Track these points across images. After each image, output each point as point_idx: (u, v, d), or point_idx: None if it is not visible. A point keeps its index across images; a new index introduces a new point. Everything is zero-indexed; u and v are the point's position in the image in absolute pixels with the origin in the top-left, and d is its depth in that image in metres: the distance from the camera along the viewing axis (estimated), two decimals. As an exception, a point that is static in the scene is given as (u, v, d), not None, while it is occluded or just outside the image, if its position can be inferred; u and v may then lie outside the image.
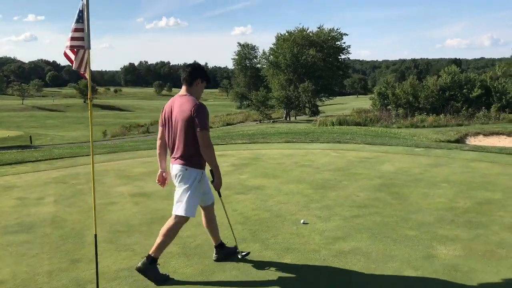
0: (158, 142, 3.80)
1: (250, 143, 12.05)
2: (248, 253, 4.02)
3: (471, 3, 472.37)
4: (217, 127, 44.91)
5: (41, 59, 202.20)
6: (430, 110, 34.90)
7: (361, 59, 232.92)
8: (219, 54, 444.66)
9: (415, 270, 3.66)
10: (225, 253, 4.00)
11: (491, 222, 4.85)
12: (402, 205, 5.57)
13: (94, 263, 3.47)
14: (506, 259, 3.85)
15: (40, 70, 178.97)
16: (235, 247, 4.08)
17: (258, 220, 5.07)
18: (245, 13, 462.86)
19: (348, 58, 63.37)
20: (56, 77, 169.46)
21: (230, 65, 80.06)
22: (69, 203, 5.91)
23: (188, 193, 3.54)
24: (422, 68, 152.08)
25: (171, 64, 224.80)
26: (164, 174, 3.89)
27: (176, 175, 3.59)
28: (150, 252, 3.58)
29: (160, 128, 3.76)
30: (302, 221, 4.97)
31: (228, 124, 49.68)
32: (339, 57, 60.60)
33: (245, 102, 72.23)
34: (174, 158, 3.60)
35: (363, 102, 63.51)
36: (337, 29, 59.11)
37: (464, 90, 35.77)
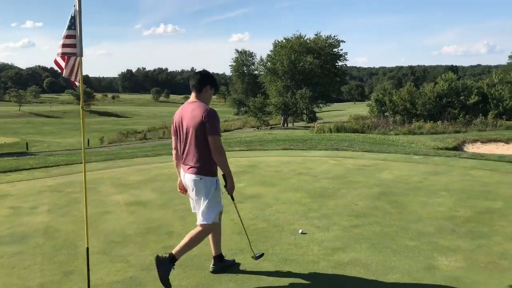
0: (174, 152, 3.79)
1: (247, 150, 11.98)
2: (262, 254, 3.98)
3: (467, 10, 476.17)
4: (215, 133, 44.61)
5: (39, 66, 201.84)
6: (427, 116, 34.93)
7: (358, 66, 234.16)
8: (217, 61, 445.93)
9: (416, 282, 3.58)
10: (223, 266, 3.91)
11: (493, 232, 4.78)
12: (401, 214, 5.50)
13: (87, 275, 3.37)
14: (509, 271, 3.77)
15: (37, 76, 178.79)
16: (233, 260, 4.00)
17: (255, 230, 4.97)
18: (243, 20, 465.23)
19: (345, 65, 63.57)
20: (53, 83, 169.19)
21: (228, 72, 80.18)
22: (63, 213, 5.80)
23: (207, 202, 3.55)
24: (419, 75, 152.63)
25: (168, 71, 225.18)
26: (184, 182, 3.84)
27: (191, 185, 3.57)
28: (173, 251, 3.61)
29: (173, 137, 3.75)
30: (300, 231, 4.88)
31: (225, 131, 49.59)
32: (336, 64, 60.78)
33: (242, 109, 72.24)
34: (187, 166, 3.58)
35: (361, 109, 63.60)
36: (334, 36, 59.44)
37: (461, 97, 35.84)
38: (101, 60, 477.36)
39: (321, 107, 61.29)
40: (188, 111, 3.53)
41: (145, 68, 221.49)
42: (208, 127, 3.40)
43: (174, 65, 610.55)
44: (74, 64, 2.93)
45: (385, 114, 38.10)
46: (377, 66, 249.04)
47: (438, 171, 8.33)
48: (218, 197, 3.62)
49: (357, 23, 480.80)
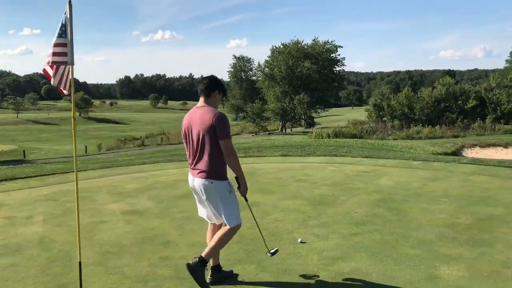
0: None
1: (245, 156, 11.90)
2: (277, 251, 3.98)
3: (464, 15, 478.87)
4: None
5: (37, 73, 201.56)
6: (425, 121, 34.91)
7: (355, 71, 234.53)
8: (215, 67, 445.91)
9: (419, 293, 3.50)
10: (221, 277, 3.83)
11: (495, 239, 4.71)
12: (402, 222, 5.42)
13: (81, 289, 3.29)
14: (513, 280, 3.69)
15: (35, 83, 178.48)
16: (231, 271, 3.92)
17: (253, 239, 4.89)
18: (241, 26, 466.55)
19: (343, 70, 63.62)
20: (51, 90, 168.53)
21: (226, 78, 79.94)
22: (59, 222, 5.71)
23: (227, 205, 3.57)
24: (416, 79, 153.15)
25: (166, 77, 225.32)
26: None
27: (201, 189, 3.57)
28: (202, 254, 3.58)
29: (184, 142, 3.74)
30: (299, 240, 4.81)
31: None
32: (334, 69, 60.85)
33: (240, 114, 72.13)
34: (196, 170, 3.56)
35: (359, 114, 63.65)
36: (331, 42, 59.46)
37: (459, 101, 35.84)
38: (99, 66, 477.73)
39: (319, 113, 61.28)
40: (197, 116, 3.54)
41: (143, 75, 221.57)
42: (219, 131, 3.42)
43: (172, 71, 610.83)
44: (64, 73, 2.86)
45: (383, 119, 38.08)
46: (374, 71, 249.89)
47: (437, 177, 8.27)
48: (235, 197, 3.62)
49: (354, 28, 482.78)
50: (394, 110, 37.52)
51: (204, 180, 3.51)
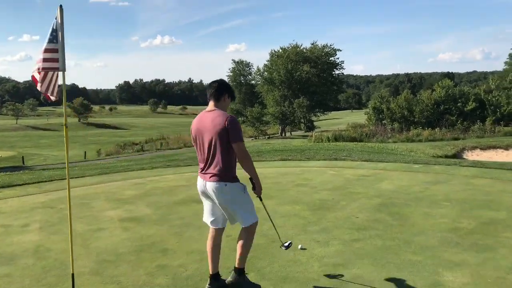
0: None
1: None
2: (290, 243, 4.06)
3: (462, 17, 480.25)
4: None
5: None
6: (425, 124, 34.85)
7: (354, 74, 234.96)
8: (214, 71, 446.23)
9: (422, 301, 3.41)
10: (219, 285, 3.73)
11: (499, 244, 4.62)
12: (403, 227, 5.34)
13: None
14: (518, 287, 3.60)
15: (35, 90, 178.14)
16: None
17: (253, 246, 4.78)
18: (239, 31, 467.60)
19: (342, 73, 63.62)
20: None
21: (225, 82, 79.69)
22: (55, 230, 5.61)
23: (243, 205, 3.60)
24: (415, 82, 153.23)
25: (166, 82, 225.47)
26: None
27: (214, 192, 3.53)
28: (236, 265, 3.66)
29: (195, 146, 3.74)
30: (299, 246, 4.72)
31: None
32: (333, 73, 60.87)
33: (240, 119, 71.98)
34: (209, 174, 3.54)
35: (358, 117, 63.64)
36: (330, 45, 59.53)
37: (459, 104, 35.80)
38: (99, 72, 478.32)
39: (318, 116, 61.27)
40: (208, 119, 3.52)
41: (142, 80, 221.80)
42: (233, 134, 3.43)
43: (171, 76, 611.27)
44: (52, 79, 2.77)
45: (383, 122, 38.02)
46: (373, 74, 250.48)
47: (439, 180, 8.19)
48: (249, 196, 3.65)
49: (352, 32, 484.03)
50: (393, 113, 37.47)
51: (216, 183, 3.50)
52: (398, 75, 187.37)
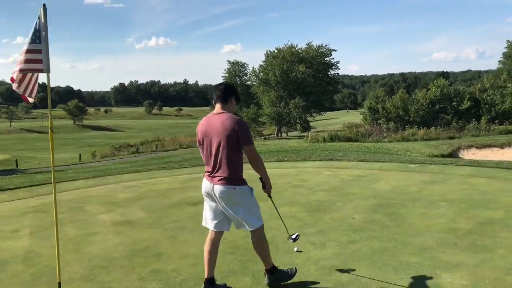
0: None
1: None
2: (298, 236, 4.12)
3: (456, 16, 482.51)
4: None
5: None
6: (420, 123, 34.89)
7: (350, 74, 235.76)
8: (209, 72, 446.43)
9: (421, 304, 3.34)
10: (213, 291, 3.66)
11: (496, 244, 4.56)
12: (400, 228, 5.27)
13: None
14: (518, 288, 3.54)
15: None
16: (224, 285, 3.75)
17: (248, 249, 4.70)
18: (234, 31, 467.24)
19: (338, 73, 63.77)
20: (45, 99, 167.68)
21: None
22: (46, 236, 5.50)
23: (250, 208, 3.62)
24: (410, 81, 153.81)
25: (161, 83, 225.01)
26: None
27: (222, 196, 3.52)
28: (265, 268, 3.77)
29: (200, 148, 3.72)
30: (296, 249, 4.64)
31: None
32: (329, 73, 60.97)
33: (236, 120, 72.02)
34: (217, 177, 3.50)
35: (354, 117, 63.67)
36: (325, 45, 59.64)
37: (454, 103, 35.84)
38: (94, 74, 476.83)
39: (314, 116, 61.30)
40: (217, 122, 3.51)
41: (137, 81, 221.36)
42: (243, 137, 3.46)
43: (167, 77, 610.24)
44: (31, 80, 2.65)
45: (379, 121, 38.02)
46: (368, 74, 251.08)
47: (435, 180, 8.14)
48: (255, 200, 3.70)
49: (347, 32, 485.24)
50: (389, 113, 37.48)
51: (225, 187, 3.49)
52: (393, 74, 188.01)
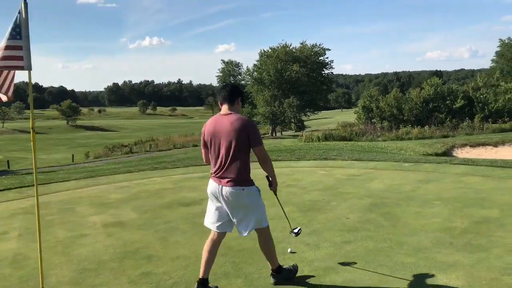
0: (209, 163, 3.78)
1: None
2: (300, 230, 4.14)
3: (449, 16, 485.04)
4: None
5: (23, 81, 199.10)
6: (414, 122, 34.97)
7: (344, 74, 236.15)
8: (204, 72, 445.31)
9: (416, 306, 3.28)
10: (205, 293, 3.58)
11: (492, 244, 4.51)
12: (395, 227, 5.21)
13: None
14: (515, 289, 3.49)
15: (22, 92, 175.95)
16: (216, 287, 3.67)
17: (241, 250, 4.64)
18: (228, 31, 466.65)
19: (332, 72, 63.72)
20: (38, 99, 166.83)
21: (215, 82, 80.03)
22: (35, 238, 5.34)
23: (258, 209, 3.62)
24: (404, 80, 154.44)
25: (155, 83, 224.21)
26: None
27: (230, 197, 3.50)
28: (271, 268, 3.77)
29: (203, 150, 3.72)
30: (289, 250, 4.57)
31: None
32: (323, 72, 60.94)
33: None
34: (225, 179, 3.47)
35: (348, 116, 63.74)
36: (319, 45, 59.59)
37: (447, 101, 35.94)
38: (87, 74, 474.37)
39: (309, 116, 61.26)
40: (226, 123, 3.48)
41: (131, 81, 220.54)
42: (254, 138, 3.47)
43: (161, 77, 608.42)
44: (7, 77, 2.54)
45: (373, 120, 38.06)
46: (362, 73, 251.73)
47: (430, 179, 8.10)
48: (262, 200, 3.70)
49: (341, 31, 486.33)
50: (383, 112, 37.53)
51: (233, 188, 3.47)
52: (387, 74, 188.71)
